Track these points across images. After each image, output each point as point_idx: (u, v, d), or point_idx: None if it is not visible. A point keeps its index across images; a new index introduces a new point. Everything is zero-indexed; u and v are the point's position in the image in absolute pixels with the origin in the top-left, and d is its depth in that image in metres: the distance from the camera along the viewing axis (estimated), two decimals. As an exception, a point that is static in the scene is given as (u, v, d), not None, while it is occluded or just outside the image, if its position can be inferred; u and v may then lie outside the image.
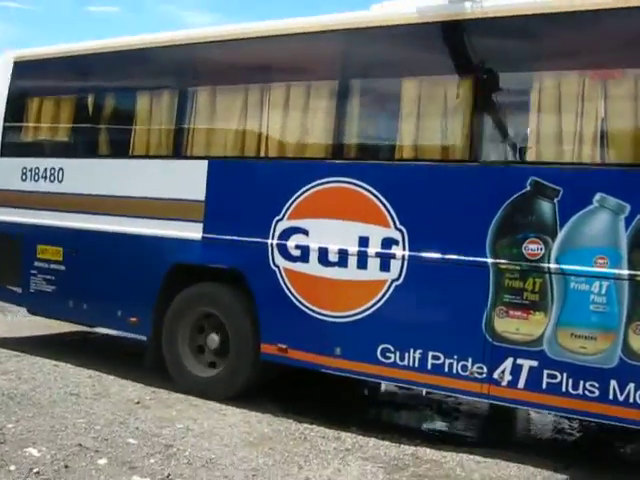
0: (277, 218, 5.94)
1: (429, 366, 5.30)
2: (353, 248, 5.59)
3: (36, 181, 7.50)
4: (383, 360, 5.49)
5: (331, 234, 5.69)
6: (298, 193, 5.84)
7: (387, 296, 5.46)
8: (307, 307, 5.80)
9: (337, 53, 6.00)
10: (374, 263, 5.52)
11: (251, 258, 6.07)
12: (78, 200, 7.14)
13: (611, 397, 4.69)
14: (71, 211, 7.18)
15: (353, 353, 5.63)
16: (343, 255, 5.63)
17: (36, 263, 7.46)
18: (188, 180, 6.42)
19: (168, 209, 6.50)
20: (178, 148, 6.60)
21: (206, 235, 6.26)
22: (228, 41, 6.42)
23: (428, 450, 5.27)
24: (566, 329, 4.85)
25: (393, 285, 5.44)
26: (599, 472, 5.06)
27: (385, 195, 5.46)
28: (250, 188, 6.13)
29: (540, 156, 5.09)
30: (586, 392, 4.77)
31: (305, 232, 5.82)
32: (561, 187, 4.83)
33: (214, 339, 6.39)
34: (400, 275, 5.41)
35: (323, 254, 5.71)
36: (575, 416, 5.08)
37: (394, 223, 5.43)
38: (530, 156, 5.14)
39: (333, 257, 5.67)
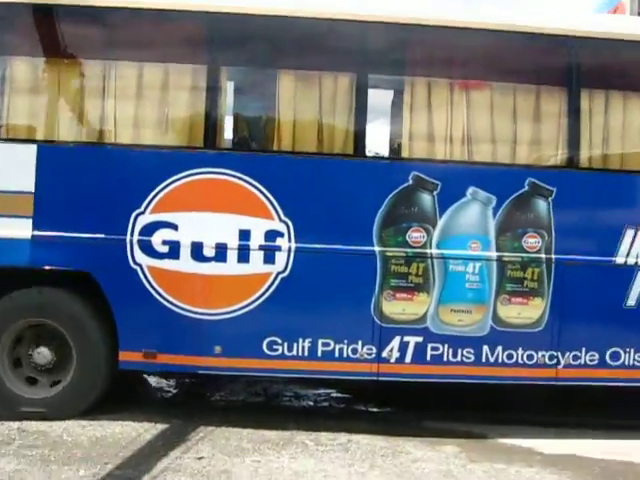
0: (137, 212, 5.38)
1: (319, 353, 5.48)
2: (233, 242, 5.40)
3: None
4: (270, 353, 5.47)
5: (206, 228, 5.39)
6: (163, 185, 5.36)
7: (273, 288, 5.44)
8: (179, 307, 5.42)
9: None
10: (257, 256, 5.42)
11: (102, 257, 5.39)
12: None
13: (484, 360, 5.52)
14: None
15: (236, 350, 5.48)
16: (221, 249, 5.40)
17: None
18: (6, 167, 5.40)
19: None
20: None
21: (37, 233, 5.35)
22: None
23: (34, 423, 5.36)
24: (446, 306, 5.50)
25: (279, 277, 5.43)
26: (197, 418, 5.66)
27: (268, 187, 5.39)
28: (99, 178, 5.39)
29: (420, 153, 5.60)
30: (464, 359, 5.52)
31: (174, 226, 5.39)
32: (439, 181, 5.47)
33: (45, 354, 5.53)
34: (286, 267, 5.43)
35: (197, 249, 5.39)
36: (455, 381, 5.76)
37: (278, 215, 5.41)
38: (411, 153, 5.61)
39: (209, 252, 5.39)
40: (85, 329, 5.44)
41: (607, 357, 5.56)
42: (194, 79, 5.51)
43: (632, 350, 5.55)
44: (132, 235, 5.38)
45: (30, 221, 5.35)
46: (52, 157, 5.40)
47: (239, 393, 6.81)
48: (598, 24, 5.89)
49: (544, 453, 5.28)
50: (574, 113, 5.56)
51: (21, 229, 5.31)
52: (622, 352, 5.55)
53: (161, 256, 5.41)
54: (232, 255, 5.42)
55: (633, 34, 5.68)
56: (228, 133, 5.68)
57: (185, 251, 5.40)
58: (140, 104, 5.50)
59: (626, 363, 5.57)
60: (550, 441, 5.50)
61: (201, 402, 6.55)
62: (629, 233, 5.52)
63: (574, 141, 5.55)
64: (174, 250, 5.41)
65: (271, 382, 6.82)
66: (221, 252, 5.42)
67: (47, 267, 5.41)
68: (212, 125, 5.47)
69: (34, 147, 5.36)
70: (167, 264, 5.42)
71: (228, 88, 5.59)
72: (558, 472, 4.87)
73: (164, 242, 5.39)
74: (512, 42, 5.62)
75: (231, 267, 5.43)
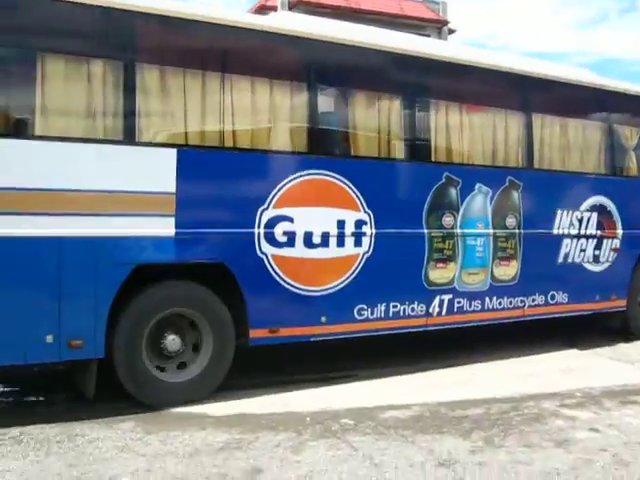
0: (262, 208, 6.22)
1: (391, 314, 7.00)
2: (333, 230, 6.61)
3: None
4: (358, 318, 6.83)
5: (314, 220, 6.50)
6: (282, 184, 6.31)
7: (360, 266, 6.79)
8: (295, 287, 6.46)
9: None
10: (350, 241, 6.73)
11: (234, 249, 6.12)
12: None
13: (486, 307, 7.64)
14: None
15: (336, 318, 6.72)
16: (325, 237, 6.57)
17: None
18: (147, 170, 5.69)
19: (121, 203, 5.56)
20: (130, 133, 5.65)
21: (180, 230, 5.79)
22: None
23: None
24: (465, 270, 7.51)
25: (365, 257, 6.80)
26: None
27: (356, 185, 6.71)
28: (230, 179, 6.05)
29: (450, 157, 7.46)
30: (474, 307, 7.58)
31: (291, 219, 6.38)
32: (460, 179, 7.31)
33: (177, 341, 5.98)
34: (369, 248, 6.81)
35: (308, 238, 6.46)
36: (468, 325, 7.62)
37: (363, 207, 6.73)
38: (443, 157, 7.42)
39: (317, 240, 6.51)
40: (219, 315, 6.12)
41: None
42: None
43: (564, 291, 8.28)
44: (259, 228, 6.22)
45: (172, 219, 5.81)
46: (190, 160, 5.91)
47: None
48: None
49: (215, 415, 5.80)
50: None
51: (164, 227, 5.77)
52: (557, 294, 8.24)
53: (281, 245, 6.37)
54: (333, 241, 6.64)
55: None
56: (329, 139, 6.79)
57: (299, 240, 6.44)
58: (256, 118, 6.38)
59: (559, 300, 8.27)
60: (220, 404, 6.06)
61: None
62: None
63: None
64: (291, 239, 6.41)
65: None
66: (325, 239, 6.59)
67: (189, 261, 5.94)
68: (310, 132, 6.55)
69: (174, 151, 5.83)
70: (286, 251, 6.40)
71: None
72: (228, 430, 5.39)
73: (284, 233, 6.35)
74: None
75: (332, 251, 6.64)
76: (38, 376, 6.69)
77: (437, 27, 30.44)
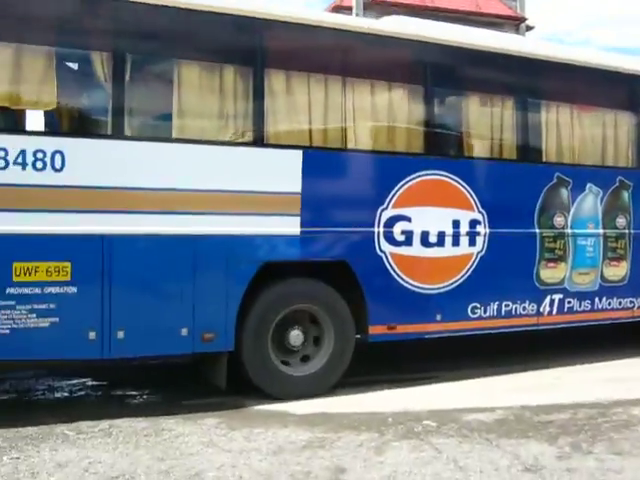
0: (382, 208, 6.39)
1: (503, 313, 7.06)
2: (449, 230, 6.73)
3: (3, 169, 5.05)
4: (472, 316, 6.92)
5: (430, 219, 6.64)
6: (400, 184, 6.47)
7: (474, 265, 6.88)
8: (412, 285, 6.59)
9: None
10: (464, 240, 6.84)
11: (356, 247, 6.31)
12: (96, 196, 5.33)
13: (596, 308, 7.63)
14: (82, 211, 5.28)
15: (450, 316, 6.83)
16: (441, 236, 6.69)
17: (12, 290, 5.11)
18: (274, 170, 5.93)
19: (250, 203, 5.81)
20: (259, 135, 5.92)
21: (305, 229, 6.01)
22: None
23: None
24: (576, 270, 7.52)
25: (479, 256, 6.90)
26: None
27: (470, 186, 6.81)
28: (352, 180, 6.27)
29: (561, 158, 7.48)
30: (584, 307, 7.58)
31: (408, 219, 6.53)
32: (571, 179, 7.34)
33: (298, 335, 6.19)
34: (483, 248, 6.91)
35: (425, 237, 6.60)
36: (578, 324, 7.64)
37: (477, 207, 6.83)
38: (554, 157, 7.45)
39: (433, 239, 6.65)
40: (340, 311, 6.30)
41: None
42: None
43: None
44: (378, 227, 6.40)
45: (298, 218, 6.04)
46: (314, 161, 6.13)
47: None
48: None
49: (297, 414, 5.85)
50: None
51: (290, 226, 6.00)
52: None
53: (399, 244, 6.52)
54: (448, 240, 6.76)
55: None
56: (445, 140, 6.95)
57: (416, 239, 6.58)
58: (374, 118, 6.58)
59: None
60: (301, 402, 6.11)
61: None
62: None
63: None
64: (409, 238, 6.56)
65: (20, 379, 6.92)
66: (441, 238, 6.71)
67: (313, 259, 6.16)
68: (427, 133, 6.69)
69: (300, 152, 6.07)
70: (404, 250, 6.55)
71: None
72: (310, 429, 5.39)
73: (402, 232, 6.51)
74: None
75: (448, 250, 6.76)
76: (123, 371, 6.97)
77: (515, 24, 29.91)
